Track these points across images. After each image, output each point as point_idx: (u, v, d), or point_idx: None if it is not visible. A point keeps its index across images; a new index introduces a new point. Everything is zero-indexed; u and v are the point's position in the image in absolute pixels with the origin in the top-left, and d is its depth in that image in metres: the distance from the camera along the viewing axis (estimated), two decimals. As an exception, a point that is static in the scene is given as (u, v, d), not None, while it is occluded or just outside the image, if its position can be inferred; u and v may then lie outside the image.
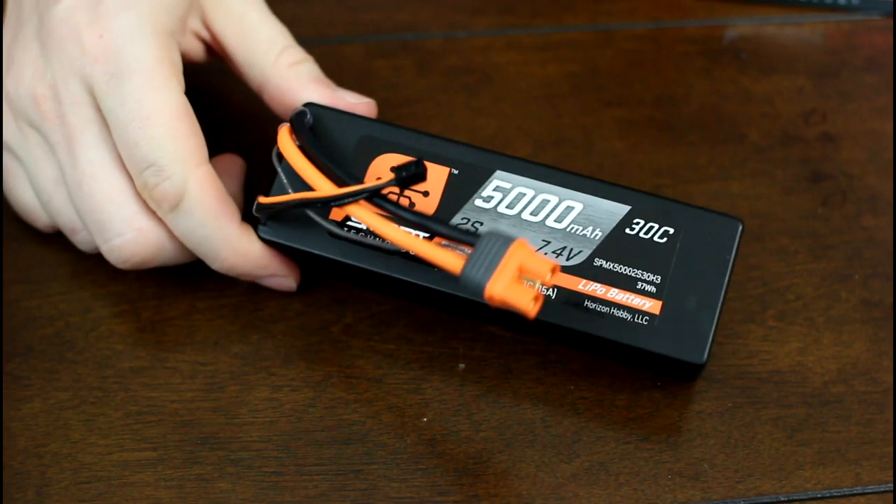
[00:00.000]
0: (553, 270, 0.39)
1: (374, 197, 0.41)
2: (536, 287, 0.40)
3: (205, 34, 0.48)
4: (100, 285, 0.48)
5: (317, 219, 0.44)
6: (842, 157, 0.53)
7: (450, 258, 0.40)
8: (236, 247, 0.45)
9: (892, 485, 0.44)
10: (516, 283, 0.39)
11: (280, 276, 0.46)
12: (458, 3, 0.59)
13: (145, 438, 0.44)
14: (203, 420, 0.45)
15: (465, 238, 0.40)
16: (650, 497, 0.43)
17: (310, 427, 0.45)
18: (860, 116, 0.54)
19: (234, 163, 0.49)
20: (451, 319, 0.47)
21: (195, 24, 0.47)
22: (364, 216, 0.42)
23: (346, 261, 0.44)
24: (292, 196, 0.43)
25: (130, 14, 0.44)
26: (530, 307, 0.39)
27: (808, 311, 0.48)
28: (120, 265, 0.46)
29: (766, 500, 0.44)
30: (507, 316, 0.41)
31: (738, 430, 0.45)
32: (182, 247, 0.45)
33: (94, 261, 0.48)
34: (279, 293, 0.48)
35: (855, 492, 0.44)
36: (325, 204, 0.42)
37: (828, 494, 0.44)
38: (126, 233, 0.45)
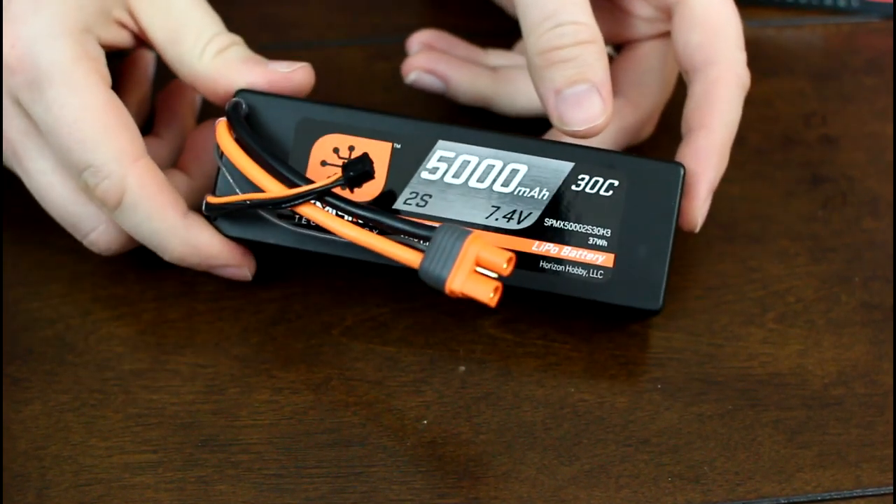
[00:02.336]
0: (509, 261, 0.40)
1: (324, 196, 0.42)
2: (495, 278, 0.41)
3: (131, 24, 0.46)
4: (100, 287, 0.48)
5: (272, 219, 0.44)
6: (842, 159, 0.53)
7: (407, 254, 0.41)
8: (184, 238, 0.45)
9: (892, 487, 0.44)
10: (475, 277, 0.40)
11: (233, 266, 0.46)
12: (458, 7, 0.59)
13: (146, 441, 0.44)
14: (203, 422, 0.45)
15: (420, 233, 0.41)
16: (650, 499, 0.43)
17: (310, 429, 0.45)
18: (860, 119, 0.55)
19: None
20: (451, 322, 0.47)
21: (119, 13, 0.46)
22: (317, 216, 0.42)
23: (310, 249, 0.44)
24: (241, 197, 0.43)
25: (39, 18, 0.43)
26: (490, 299, 0.40)
27: (808, 313, 0.48)
28: (107, 254, 0.46)
29: (766, 503, 0.44)
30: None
31: (738, 433, 0.45)
32: None
33: (95, 263, 0.48)
34: (279, 296, 0.48)
35: (855, 494, 0.44)
36: (277, 206, 0.43)
37: (828, 497, 0.44)
38: (97, 226, 0.45)
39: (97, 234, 0.46)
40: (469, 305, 0.47)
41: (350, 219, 0.42)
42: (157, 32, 0.46)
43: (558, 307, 0.47)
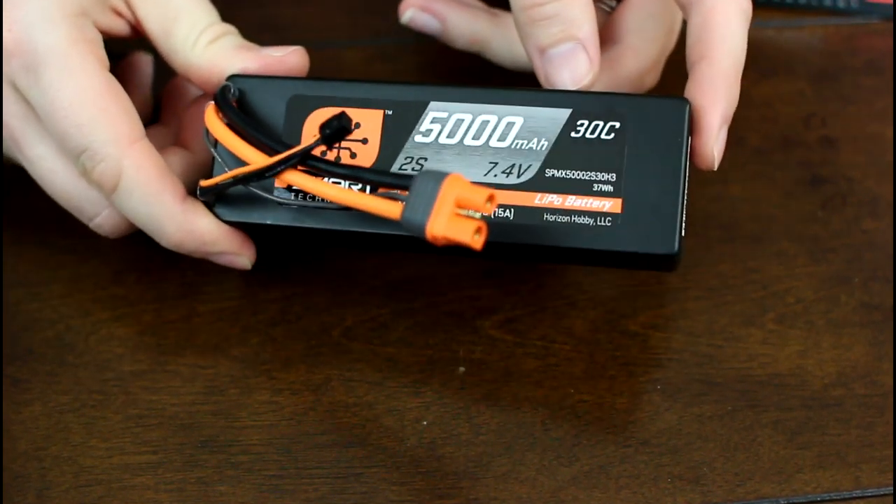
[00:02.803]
0: (490, 199, 0.39)
1: (307, 160, 0.42)
2: (477, 217, 0.40)
3: (127, 13, 0.46)
4: (100, 288, 0.48)
5: (262, 193, 0.43)
6: (841, 160, 0.53)
7: (387, 205, 0.40)
8: (181, 224, 0.44)
9: (891, 488, 0.44)
10: (456, 219, 0.39)
11: (231, 253, 0.46)
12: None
13: (146, 441, 0.44)
14: (203, 423, 0.45)
15: (399, 182, 0.41)
16: (650, 500, 0.43)
17: (310, 430, 0.45)
18: (860, 120, 0.55)
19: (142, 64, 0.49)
20: (451, 323, 0.47)
21: (116, 2, 0.46)
22: (300, 181, 0.42)
23: (305, 226, 0.44)
24: (229, 175, 0.43)
25: (35, 1, 0.43)
26: (473, 240, 0.39)
27: (807, 314, 0.48)
28: (114, 236, 0.47)
29: (765, 504, 0.44)
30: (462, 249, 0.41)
31: (737, 434, 0.45)
32: None
33: (95, 264, 0.48)
34: (279, 297, 0.48)
35: (855, 495, 0.44)
36: (261, 176, 0.42)
37: (827, 498, 0.44)
38: (101, 210, 0.45)
39: (102, 218, 0.46)
40: (469, 306, 0.48)
41: (333, 181, 0.42)
42: (152, 23, 0.46)
43: (567, 260, 0.45)
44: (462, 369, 0.46)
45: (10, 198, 0.50)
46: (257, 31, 0.58)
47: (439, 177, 0.39)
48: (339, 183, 0.43)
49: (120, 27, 0.46)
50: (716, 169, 0.44)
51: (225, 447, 0.44)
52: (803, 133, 0.54)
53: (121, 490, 0.43)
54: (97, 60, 0.44)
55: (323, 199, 0.43)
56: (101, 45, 0.45)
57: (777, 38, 0.58)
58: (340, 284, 0.48)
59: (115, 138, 0.43)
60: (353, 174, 0.42)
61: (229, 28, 0.46)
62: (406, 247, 0.45)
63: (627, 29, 0.48)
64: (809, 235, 0.50)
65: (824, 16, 0.58)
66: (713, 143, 0.43)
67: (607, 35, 0.49)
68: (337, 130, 0.42)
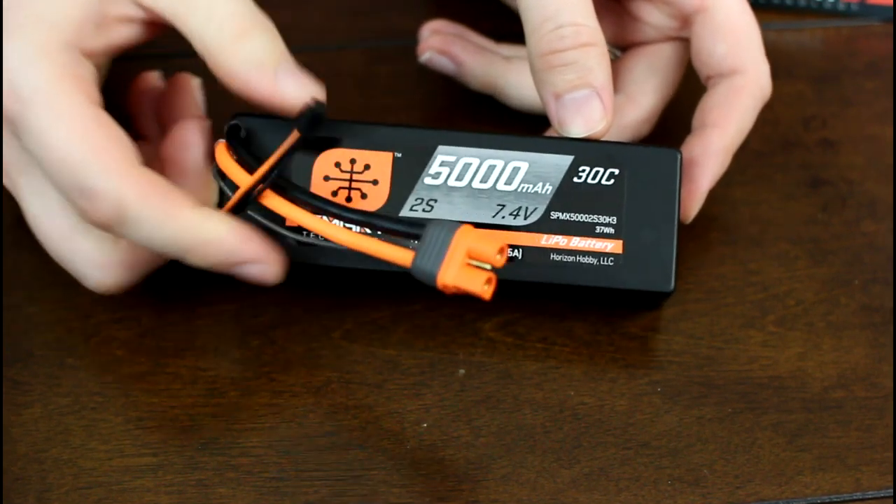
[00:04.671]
0: (501, 251, 0.40)
1: (320, 203, 0.42)
2: (488, 269, 0.41)
3: (139, 14, 0.44)
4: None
5: (279, 229, 0.44)
6: (842, 162, 0.53)
7: (399, 253, 0.41)
8: (201, 235, 0.42)
9: (892, 490, 0.44)
10: (467, 269, 0.40)
11: (259, 262, 0.43)
12: (460, 9, 0.59)
13: (146, 444, 0.44)
14: (203, 425, 0.45)
15: (410, 231, 0.41)
16: (650, 502, 0.43)
17: (310, 432, 0.45)
18: (860, 122, 0.55)
19: (191, 131, 0.46)
20: (451, 325, 0.47)
21: (123, 9, 0.44)
22: (312, 224, 0.42)
23: (311, 262, 0.44)
24: (227, 206, 0.44)
25: (16, 42, 0.41)
26: (483, 290, 0.40)
27: (808, 316, 0.48)
28: (115, 291, 0.45)
29: (766, 506, 0.44)
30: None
31: (737, 436, 0.45)
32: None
33: (95, 266, 0.48)
34: (279, 300, 0.48)
35: (855, 497, 0.44)
36: (250, 195, 0.43)
37: (828, 500, 0.44)
38: (93, 273, 0.44)
39: (95, 281, 0.44)
40: (469, 308, 0.48)
41: (343, 224, 0.43)
42: (176, 11, 0.43)
43: (572, 299, 0.47)
44: (462, 371, 0.46)
45: (11, 200, 0.50)
46: (257, 34, 0.57)
47: (452, 227, 0.41)
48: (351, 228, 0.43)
49: (129, 35, 0.44)
50: (689, 222, 0.48)
51: (225, 449, 0.44)
52: (803, 135, 0.54)
53: (121, 492, 0.43)
54: (84, 97, 0.42)
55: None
56: (90, 79, 0.43)
57: (777, 40, 0.58)
58: (340, 287, 0.48)
59: (108, 170, 0.41)
60: (366, 220, 0.42)
61: (263, 25, 0.44)
62: (412, 283, 0.45)
63: (630, 79, 0.50)
64: (810, 237, 0.50)
65: (824, 18, 0.58)
66: (698, 200, 0.47)
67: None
68: (311, 119, 0.42)
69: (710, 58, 0.48)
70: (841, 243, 0.50)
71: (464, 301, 0.48)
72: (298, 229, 0.44)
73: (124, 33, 0.44)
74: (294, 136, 0.43)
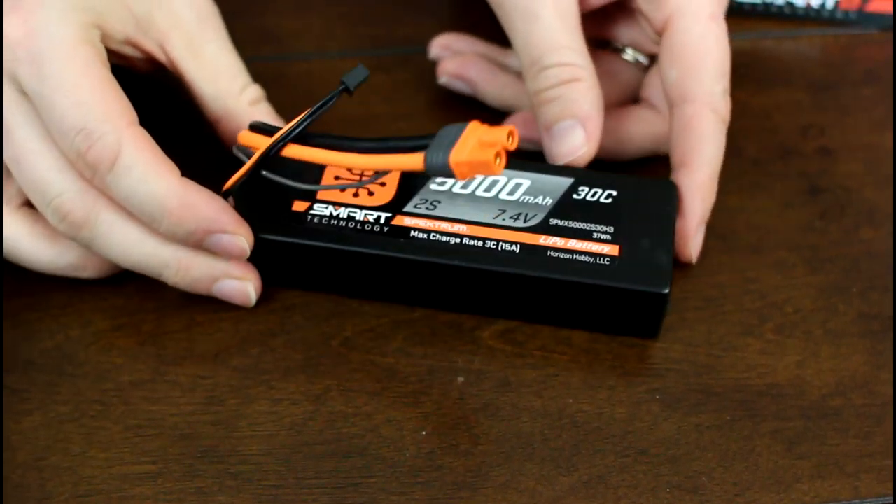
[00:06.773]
0: (510, 134, 0.41)
1: (320, 110, 0.44)
2: (497, 146, 0.41)
3: (160, 55, 0.48)
4: (100, 298, 0.48)
5: (295, 185, 0.46)
6: (839, 170, 0.53)
7: (410, 158, 0.42)
8: (182, 197, 0.44)
9: (891, 498, 0.44)
10: (478, 146, 0.41)
11: (232, 233, 0.45)
12: (458, 17, 0.59)
13: (145, 452, 0.45)
14: (203, 433, 0.45)
15: (422, 143, 0.42)
16: (649, 510, 0.44)
17: (309, 440, 0.45)
18: (858, 130, 0.55)
19: None
20: (449, 333, 0.47)
21: (138, 39, 0.48)
22: (329, 158, 0.43)
23: (337, 246, 0.46)
24: (246, 166, 0.45)
25: (48, 10, 0.45)
26: (494, 163, 0.40)
27: (806, 323, 0.48)
28: (58, 224, 0.45)
29: (764, 513, 0.44)
30: (486, 299, 0.46)
31: (736, 443, 0.45)
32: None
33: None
34: (277, 308, 0.48)
35: (853, 505, 0.44)
36: (273, 150, 0.44)
37: (826, 507, 0.44)
38: (65, 191, 0.45)
39: (61, 200, 0.45)
40: (468, 316, 0.48)
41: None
42: (189, 66, 0.48)
43: (566, 301, 0.46)
44: (461, 379, 0.46)
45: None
46: (257, 42, 0.58)
47: (462, 125, 0.42)
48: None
49: (135, 59, 0.48)
50: (694, 263, 0.49)
51: (224, 457, 0.44)
52: (801, 143, 0.54)
53: (120, 500, 0.43)
54: (100, 61, 0.45)
55: (355, 223, 0.46)
56: (105, 56, 0.46)
57: (775, 48, 0.58)
58: (339, 295, 0.48)
59: (113, 118, 0.44)
60: (378, 144, 0.43)
61: (263, 93, 0.50)
62: (413, 293, 0.47)
63: (657, 93, 0.52)
64: (808, 245, 0.50)
65: (823, 26, 0.58)
66: (692, 243, 0.48)
67: (642, 93, 0.53)
68: (357, 77, 0.45)
69: (665, 83, 0.49)
70: (839, 251, 0.50)
71: (462, 309, 0.48)
72: (311, 185, 0.46)
73: (131, 54, 0.48)
74: (307, 112, 0.44)
